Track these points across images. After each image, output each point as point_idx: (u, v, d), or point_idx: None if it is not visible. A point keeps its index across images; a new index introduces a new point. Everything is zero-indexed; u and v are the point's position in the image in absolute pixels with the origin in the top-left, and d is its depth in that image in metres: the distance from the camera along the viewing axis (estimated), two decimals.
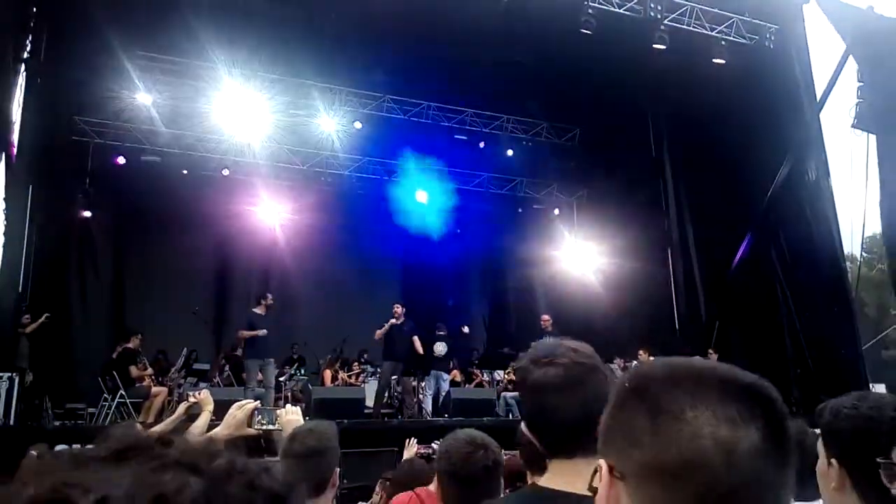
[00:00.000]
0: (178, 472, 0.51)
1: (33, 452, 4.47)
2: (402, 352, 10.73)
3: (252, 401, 2.78)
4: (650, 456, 0.73)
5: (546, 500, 1.31)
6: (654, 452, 0.73)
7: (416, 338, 10.79)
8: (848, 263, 11.02)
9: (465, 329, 13.53)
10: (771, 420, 0.74)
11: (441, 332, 11.28)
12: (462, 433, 2.32)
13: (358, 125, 13.47)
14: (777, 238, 11.52)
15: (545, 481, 1.34)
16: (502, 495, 2.22)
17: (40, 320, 9.71)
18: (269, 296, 10.20)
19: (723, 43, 11.02)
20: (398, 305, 10.85)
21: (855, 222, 11.66)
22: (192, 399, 3.47)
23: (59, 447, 5.49)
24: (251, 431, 2.70)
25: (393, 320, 10.65)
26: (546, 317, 12.00)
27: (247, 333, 9.75)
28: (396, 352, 10.66)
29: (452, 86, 12.81)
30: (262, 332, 9.66)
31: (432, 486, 2.89)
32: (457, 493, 2.15)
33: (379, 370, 12.46)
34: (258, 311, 9.98)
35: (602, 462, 0.81)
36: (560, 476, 1.32)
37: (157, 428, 3.17)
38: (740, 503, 0.70)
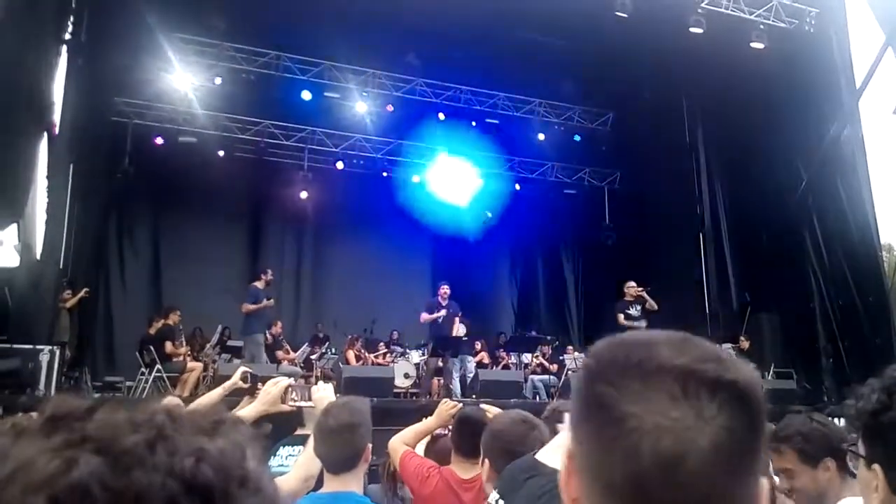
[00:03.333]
0: (77, 450, 0.45)
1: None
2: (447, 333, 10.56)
3: (286, 378, 2.87)
4: (593, 463, 0.67)
5: None
6: (596, 460, 0.67)
7: (456, 319, 10.55)
8: (884, 252, 10.80)
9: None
10: (739, 424, 0.64)
11: (459, 314, 11.25)
12: (512, 413, 2.38)
13: (390, 108, 13.52)
14: (812, 225, 11.34)
15: None
16: None
17: (80, 295, 10.02)
18: (269, 271, 10.48)
19: (761, 27, 10.81)
20: (445, 286, 10.63)
21: (892, 211, 11.42)
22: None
23: None
24: (285, 408, 2.79)
25: (441, 302, 10.43)
26: (632, 283, 10.44)
27: (253, 307, 9.84)
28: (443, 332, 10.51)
29: (485, 69, 12.78)
30: (270, 302, 9.95)
31: (454, 466, 2.97)
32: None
33: (408, 351, 12.61)
34: (259, 284, 10.16)
35: (567, 444, 0.74)
36: None
37: (215, 392, 3.23)
38: None
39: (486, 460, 2.26)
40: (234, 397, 3.17)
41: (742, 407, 0.64)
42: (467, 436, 2.83)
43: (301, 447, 2.83)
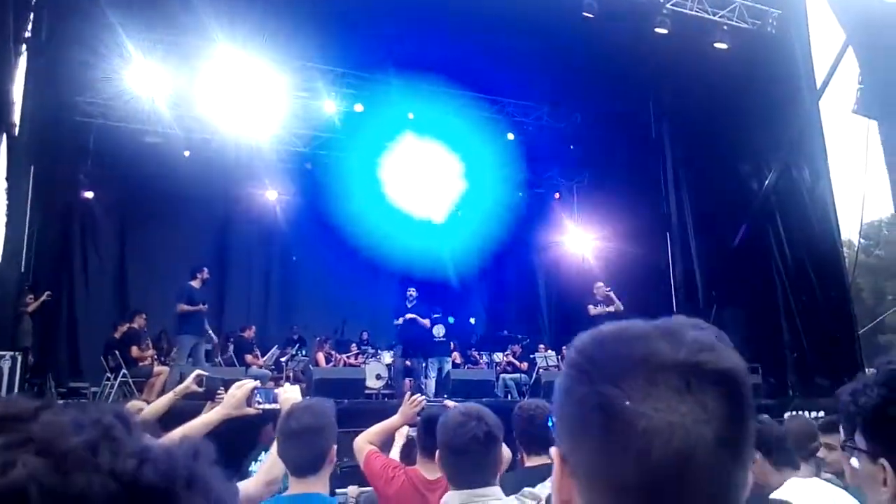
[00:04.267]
0: (18, 451, 0.45)
1: None
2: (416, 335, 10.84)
3: (252, 380, 2.84)
4: (598, 464, 0.66)
5: None
6: (602, 461, 0.65)
7: (427, 321, 10.79)
8: (845, 249, 11.06)
9: (472, 320, 13.56)
10: (737, 414, 0.65)
11: (436, 315, 11.33)
12: (460, 406, 2.38)
13: (359, 107, 13.45)
14: (775, 223, 11.56)
15: None
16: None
17: (41, 298, 9.80)
18: (205, 269, 10.14)
19: (725, 27, 10.98)
20: (411, 289, 10.93)
21: (853, 209, 11.70)
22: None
23: None
24: (250, 411, 2.75)
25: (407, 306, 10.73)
26: (600, 284, 10.80)
27: (187, 308, 9.60)
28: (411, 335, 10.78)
29: (453, 69, 12.77)
30: (203, 307, 9.65)
31: (419, 466, 2.98)
32: (450, 462, 2.20)
33: (379, 351, 12.58)
34: (194, 284, 9.91)
35: (553, 450, 0.73)
36: None
37: (165, 397, 3.19)
38: None
39: (437, 452, 2.27)
40: (196, 401, 3.13)
41: (737, 396, 0.66)
42: (432, 435, 2.83)
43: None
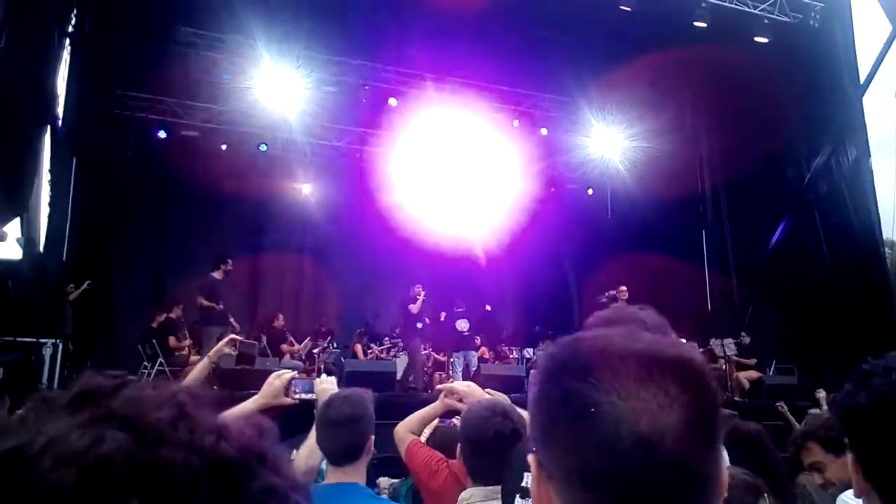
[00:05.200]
0: (104, 425, 0.46)
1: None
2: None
3: (290, 371, 2.87)
4: (570, 457, 0.67)
5: None
6: (573, 453, 0.67)
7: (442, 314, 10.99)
8: (887, 249, 10.78)
9: (488, 307, 13.52)
10: (700, 399, 0.67)
11: (460, 309, 11.31)
12: (485, 401, 2.37)
13: (393, 102, 13.48)
14: (814, 221, 11.32)
15: None
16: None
17: (82, 287, 10.00)
18: (230, 261, 9.96)
19: (765, 21, 10.78)
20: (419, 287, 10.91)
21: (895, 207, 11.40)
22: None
23: None
24: (288, 401, 2.79)
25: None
26: (623, 288, 10.76)
27: (205, 303, 9.54)
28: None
29: (486, 63, 12.73)
30: (219, 307, 9.54)
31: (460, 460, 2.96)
32: (472, 457, 2.18)
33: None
34: (216, 275, 9.77)
35: (531, 458, 0.75)
36: None
37: (201, 363, 3.22)
38: (665, 495, 0.65)
39: (459, 447, 2.23)
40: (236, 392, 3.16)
41: (699, 382, 0.68)
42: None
43: None
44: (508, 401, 2.40)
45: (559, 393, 0.68)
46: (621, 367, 0.67)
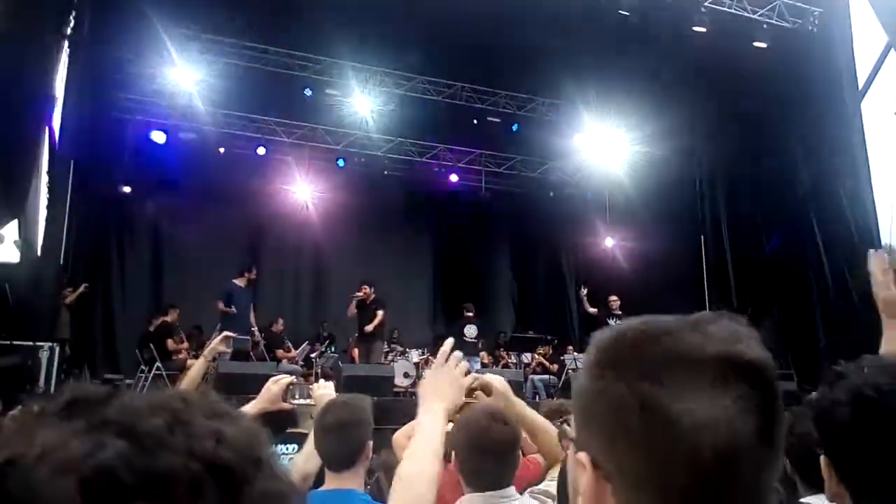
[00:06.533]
0: (101, 433, 0.46)
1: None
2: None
3: (288, 376, 2.86)
4: (641, 459, 0.64)
5: None
6: (646, 456, 0.63)
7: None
8: (885, 255, 10.76)
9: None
10: (769, 406, 0.64)
11: (469, 314, 11.26)
12: (481, 407, 2.34)
13: (391, 106, 13.48)
14: (812, 227, 11.32)
15: None
16: None
17: (79, 290, 10.01)
18: (254, 269, 10.00)
19: (764, 27, 10.79)
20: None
21: (893, 212, 11.39)
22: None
23: None
24: (286, 406, 2.78)
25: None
26: (614, 297, 10.89)
27: (221, 309, 9.56)
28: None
29: (486, 68, 12.73)
30: (231, 310, 9.54)
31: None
32: (470, 463, 2.15)
33: (408, 350, 12.60)
34: (238, 282, 9.82)
35: (582, 456, 0.69)
36: None
37: (197, 364, 3.21)
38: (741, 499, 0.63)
39: (454, 453, 2.21)
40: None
41: (771, 386, 0.65)
42: None
43: (295, 445, 2.81)
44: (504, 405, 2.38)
45: (632, 396, 0.64)
46: (697, 371, 0.63)
